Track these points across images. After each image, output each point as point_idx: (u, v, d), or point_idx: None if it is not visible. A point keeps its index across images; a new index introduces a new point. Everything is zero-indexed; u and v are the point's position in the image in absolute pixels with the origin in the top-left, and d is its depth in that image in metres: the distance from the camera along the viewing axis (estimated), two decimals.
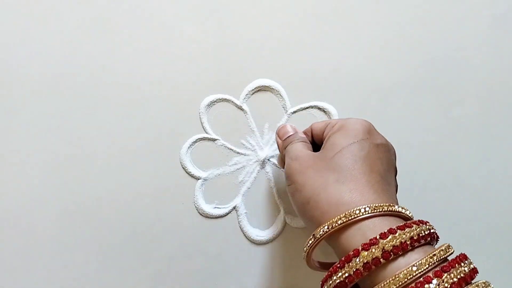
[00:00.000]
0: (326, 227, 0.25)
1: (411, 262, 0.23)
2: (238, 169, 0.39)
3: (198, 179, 0.39)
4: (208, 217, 0.39)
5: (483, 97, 0.39)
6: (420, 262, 0.23)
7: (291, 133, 0.34)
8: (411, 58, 0.39)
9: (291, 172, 0.30)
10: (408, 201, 0.39)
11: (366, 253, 0.23)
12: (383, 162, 0.29)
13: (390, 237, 0.24)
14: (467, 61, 0.39)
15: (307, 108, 0.39)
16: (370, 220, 0.25)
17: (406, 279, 0.22)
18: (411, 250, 0.24)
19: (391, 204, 0.26)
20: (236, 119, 0.39)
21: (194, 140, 0.39)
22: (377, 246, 0.23)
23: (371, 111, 0.39)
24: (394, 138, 0.39)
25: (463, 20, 0.38)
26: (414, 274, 0.22)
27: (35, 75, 0.38)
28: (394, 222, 0.25)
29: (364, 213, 0.25)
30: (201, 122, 0.39)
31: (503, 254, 0.39)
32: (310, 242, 0.26)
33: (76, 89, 0.38)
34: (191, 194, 0.39)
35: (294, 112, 0.39)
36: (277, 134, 0.35)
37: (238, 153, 0.39)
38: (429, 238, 0.25)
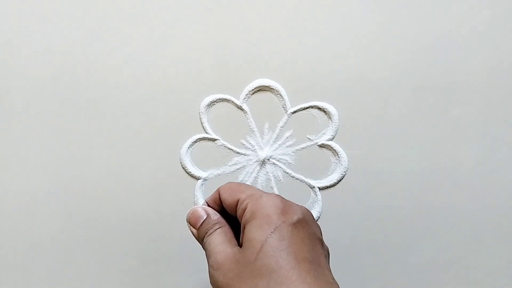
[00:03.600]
0: None
1: None
2: (238, 169, 0.39)
3: (198, 179, 0.39)
4: None
5: (483, 97, 0.39)
6: None
7: (204, 218, 0.30)
8: (411, 58, 0.39)
9: (216, 286, 0.28)
10: (408, 201, 0.39)
11: None
12: (306, 242, 0.28)
13: None
14: (467, 61, 0.39)
15: (307, 108, 0.39)
16: None
17: None
18: None
19: None
20: (236, 119, 0.39)
21: (194, 140, 0.39)
22: None
23: (371, 111, 0.39)
24: (394, 138, 0.39)
25: (463, 20, 0.38)
26: None
27: (35, 75, 0.38)
28: None
29: None
30: (201, 122, 0.39)
31: (503, 254, 0.39)
32: None
33: (76, 89, 0.38)
34: (191, 194, 0.39)
35: (294, 112, 0.39)
36: (189, 221, 0.31)
37: (238, 153, 0.39)
38: None
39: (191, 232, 0.31)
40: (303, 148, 0.39)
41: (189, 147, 0.39)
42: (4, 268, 0.38)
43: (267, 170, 0.39)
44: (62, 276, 0.39)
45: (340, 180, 0.39)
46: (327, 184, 0.39)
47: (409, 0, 0.38)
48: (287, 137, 0.39)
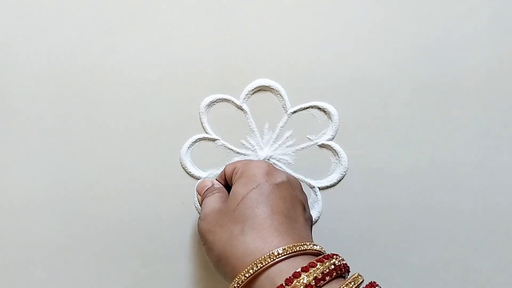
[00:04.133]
0: (235, 284, 0.26)
1: None
2: None
3: (198, 179, 0.39)
4: None
5: (483, 97, 0.39)
6: None
7: (208, 187, 0.34)
8: (411, 58, 0.39)
9: (201, 233, 0.31)
10: (408, 201, 0.39)
11: None
12: (286, 200, 0.30)
13: (295, 281, 0.24)
14: (467, 61, 0.39)
15: (307, 108, 0.39)
16: (276, 266, 0.25)
17: None
18: None
19: (296, 244, 0.26)
20: (236, 119, 0.39)
21: (194, 140, 0.39)
22: None
23: (371, 111, 0.39)
24: (394, 138, 0.39)
25: (463, 20, 0.38)
26: None
27: (35, 75, 0.38)
28: (301, 262, 0.25)
29: (269, 261, 0.25)
30: (201, 122, 0.39)
31: (503, 254, 0.39)
32: None
33: (76, 89, 0.38)
34: (191, 194, 0.39)
35: (294, 112, 0.39)
36: (197, 189, 0.36)
37: (238, 153, 0.39)
38: (335, 273, 0.25)
39: (197, 198, 0.36)
40: (303, 148, 0.39)
41: (189, 147, 0.39)
42: (4, 268, 0.38)
43: None
44: (62, 276, 0.39)
45: (340, 180, 0.39)
46: (327, 184, 0.39)
47: (409, 0, 0.38)
48: (287, 137, 0.39)
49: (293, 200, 0.30)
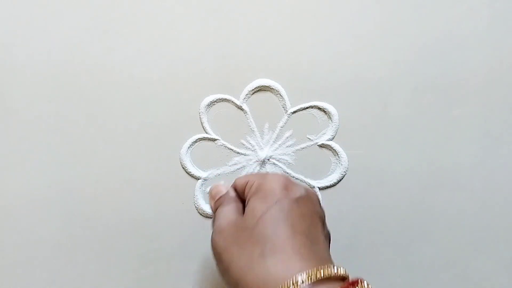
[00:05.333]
0: None
1: None
2: (238, 169, 0.39)
3: (198, 179, 0.39)
4: (208, 217, 0.39)
5: (483, 97, 0.39)
6: None
7: (223, 193, 0.32)
8: (411, 58, 0.39)
9: (216, 249, 0.29)
10: (408, 201, 0.39)
11: None
12: (306, 217, 0.28)
13: None
14: (467, 61, 0.39)
15: (307, 108, 0.39)
16: None
17: None
18: None
19: (319, 269, 0.25)
20: (236, 119, 0.39)
21: (194, 140, 0.39)
22: None
23: (371, 111, 0.39)
24: (394, 138, 0.39)
25: (463, 20, 0.38)
26: None
27: (35, 75, 0.38)
28: None
29: None
30: (201, 122, 0.39)
31: (503, 254, 0.39)
32: None
33: (76, 89, 0.38)
34: (191, 194, 0.39)
35: (294, 112, 0.39)
36: (210, 193, 0.34)
37: (238, 153, 0.39)
38: None
39: (209, 203, 0.33)
40: (303, 148, 0.39)
41: (189, 147, 0.39)
42: (4, 268, 0.38)
43: (267, 170, 0.39)
44: (62, 276, 0.39)
45: (340, 180, 0.39)
46: (327, 184, 0.39)
47: (409, 0, 0.38)
48: (287, 137, 0.39)
49: (312, 217, 0.29)
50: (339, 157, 0.39)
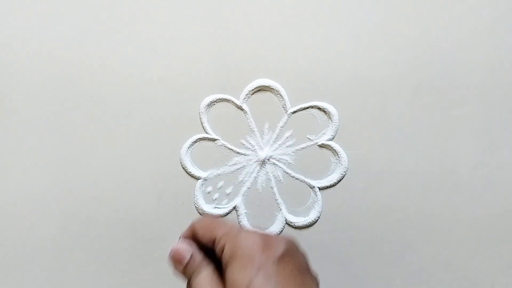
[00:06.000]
0: None
1: None
2: (238, 169, 0.39)
3: (198, 179, 0.39)
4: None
5: (483, 97, 0.39)
6: None
7: (187, 259, 0.29)
8: (411, 58, 0.39)
9: None
10: (408, 201, 0.39)
11: None
12: (294, 276, 0.26)
13: None
14: (467, 61, 0.39)
15: (307, 108, 0.39)
16: None
17: None
18: None
19: None
20: (236, 119, 0.39)
21: (194, 140, 0.39)
22: None
23: (371, 111, 0.39)
24: (394, 138, 0.39)
25: (463, 20, 0.38)
26: None
27: (35, 75, 0.38)
28: None
29: None
30: (201, 122, 0.39)
31: (503, 254, 0.39)
32: None
33: (76, 89, 0.38)
34: (191, 194, 0.39)
35: (294, 112, 0.39)
36: (172, 258, 0.30)
37: (238, 153, 0.39)
38: None
39: (174, 269, 0.30)
40: (303, 148, 0.39)
41: (189, 147, 0.39)
42: (4, 268, 0.38)
43: (267, 170, 0.39)
44: (62, 276, 0.39)
45: (340, 180, 0.39)
46: (327, 184, 0.39)
47: (409, 0, 0.38)
48: (287, 137, 0.39)
49: (300, 272, 0.27)
50: (339, 157, 0.39)
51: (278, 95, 0.39)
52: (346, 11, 0.39)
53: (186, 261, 0.29)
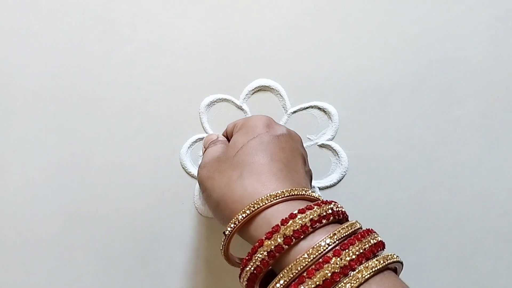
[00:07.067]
0: (232, 224, 0.26)
1: (313, 244, 0.23)
2: None
3: None
4: (208, 217, 0.39)
5: (483, 97, 0.39)
6: (318, 243, 0.23)
7: (213, 139, 0.34)
8: (411, 58, 0.39)
9: (200, 180, 0.31)
10: (408, 201, 0.39)
11: (269, 241, 0.24)
12: (286, 150, 0.30)
13: (290, 222, 0.24)
14: (467, 61, 0.39)
15: (307, 108, 0.39)
16: (273, 207, 0.25)
17: (306, 262, 0.22)
18: (313, 232, 0.24)
19: (294, 189, 0.26)
20: (236, 119, 0.39)
21: (194, 140, 0.39)
22: (278, 233, 0.24)
23: (371, 111, 0.39)
24: (394, 138, 0.39)
25: (463, 20, 0.38)
26: (315, 255, 0.23)
27: (35, 75, 0.38)
28: (297, 206, 0.25)
29: (266, 202, 0.25)
30: (201, 122, 0.39)
31: (503, 254, 0.39)
32: (222, 240, 0.27)
33: (76, 89, 0.38)
34: (191, 194, 0.39)
35: (294, 112, 0.39)
36: (206, 138, 0.36)
37: None
38: (332, 217, 0.25)
39: (202, 152, 0.37)
40: None
41: (189, 147, 0.39)
42: (4, 268, 0.38)
43: None
44: (62, 276, 0.39)
45: (340, 180, 0.39)
46: (327, 184, 0.39)
47: (409, 0, 0.38)
48: None
49: (293, 152, 0.30)
50: (339, 157, 0.39)
51: (278, 95, 0.39)
52: (346, 11, 0.39)
53: (211, 141, 0.34)
